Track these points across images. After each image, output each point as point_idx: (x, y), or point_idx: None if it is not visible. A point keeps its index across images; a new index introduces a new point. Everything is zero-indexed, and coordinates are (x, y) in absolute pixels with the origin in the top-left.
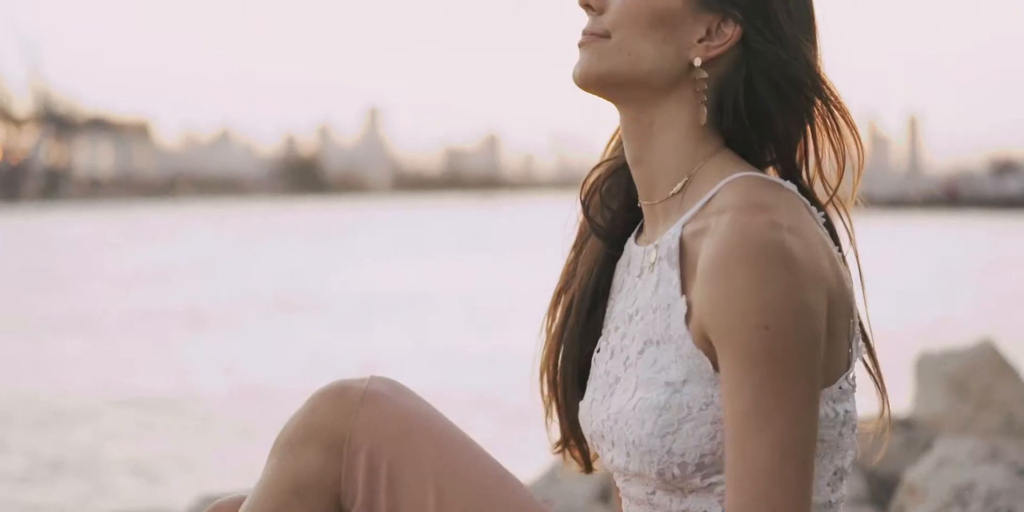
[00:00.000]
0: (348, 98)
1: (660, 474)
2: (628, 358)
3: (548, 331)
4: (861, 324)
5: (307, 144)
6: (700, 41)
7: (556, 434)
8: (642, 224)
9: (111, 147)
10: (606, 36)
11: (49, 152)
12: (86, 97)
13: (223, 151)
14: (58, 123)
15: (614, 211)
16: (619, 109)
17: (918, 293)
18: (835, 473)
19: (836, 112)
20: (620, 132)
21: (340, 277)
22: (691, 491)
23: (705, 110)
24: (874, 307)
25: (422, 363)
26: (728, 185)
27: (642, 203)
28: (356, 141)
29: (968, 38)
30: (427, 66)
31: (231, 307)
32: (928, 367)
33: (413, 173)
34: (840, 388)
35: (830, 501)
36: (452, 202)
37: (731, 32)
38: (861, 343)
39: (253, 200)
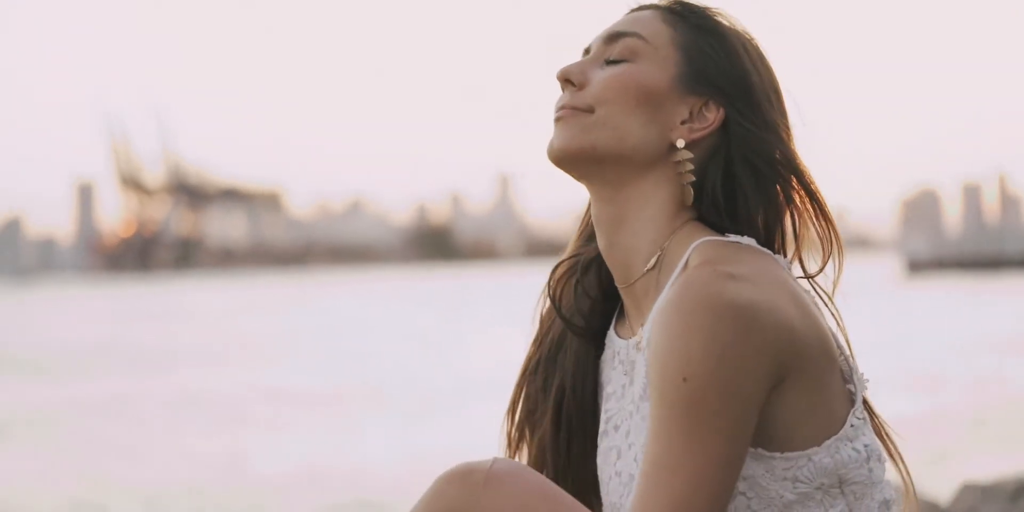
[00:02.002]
0: (479, 165)
1: None
2: (636, 456)
3: (515, 418)
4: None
5: (438, 212)
6: (683, 123)
7: None
8: (621, 308)
9: (243, 217)
10: (589, 111)
11: (181, 223)
12: (218, 168)
13: (355, 220)
14: (190, 194)
15: (591, 302)
16: (593, 190)
17: None
18: (882, 508)
19: (815, 198)
20: (590, 219)
21: (473, 347)
22: None
23: (691, 191)
24: (1013, 368)
25: None
26: (693, 251)
27: (619, 287)
28: (487, 208)
29: None
30: None
31: (364, 385)
32: None
33: (544, 239)
34: (852, 426)
35: None
36: None
37: (713, 116)
38: (864, 377)
39: (385, 268)
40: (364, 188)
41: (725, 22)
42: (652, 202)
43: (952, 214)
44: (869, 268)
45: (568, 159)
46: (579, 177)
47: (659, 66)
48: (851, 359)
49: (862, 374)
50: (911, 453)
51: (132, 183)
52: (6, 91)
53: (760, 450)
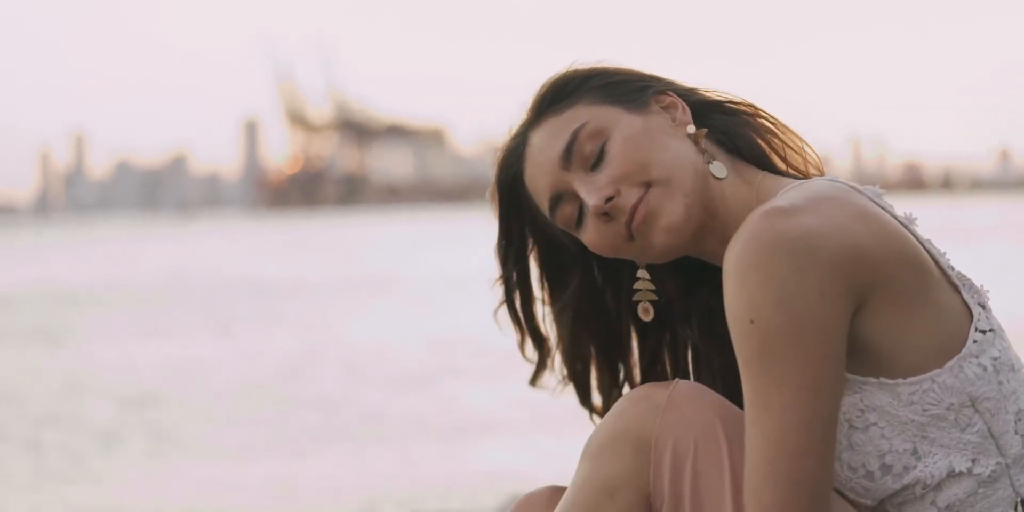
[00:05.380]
0: None
1: (854, 492)
2: None
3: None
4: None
5: None
6: (674, 120)
7: None
8: None
9: (408, 153)
10: (647, 186)
11: (346, 159)
12: (383, 104)
13: None
14: (355, 130)
15: None
16: (699, 234)
17: None
18: (1019, 419)
19: (766, 113)
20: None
21: None
22: (901, 503)
23: (716, 162)
24: None
25: None
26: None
27: None
28: None
29: None
30: (719, 61)
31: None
32: None
33: None
34: (975, 341)
35: None
36: None
37: (671, 99)
38: (983, 288)
39: None
40: None
41: (579, 68)
42: (727, 189)
43: None
44: None
45: (686, 222)
46: (693, 237)
47: (616, 119)
48: (960, 274)
49: (981, 286)
50: None
51: (298, 120)
52: (172, 30)
53: (882, 379)
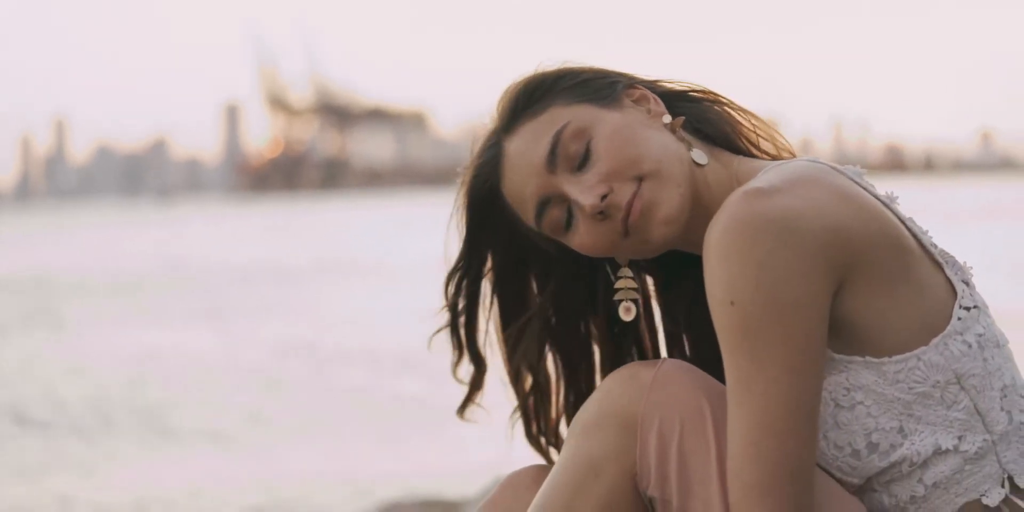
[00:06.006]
0: None
1: (841, 470)
2: None
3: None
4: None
5: None
6: (649, 112)
7: None
8: None
9: (389, 137)
10: (639, 180)
11: (327, 143)
12: (364, 88)
13: None
14: (336, 114)
15: None
16: (690, 231)
17: None
18: (1004, 396)
19: (728, 100)
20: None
21: None
22: (888, 482)
23: (696, 150)
24: None
25: None
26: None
27: None
28: None
29: None
30: (704, 46)
31: None
32: None
33: None
34: (959, 319)
35: (1022, 422)
36: None
37: (641, 92)
38: (967, 265)
39: None
40: None
41: (546, 71)
42: (709, 175)
43: None
44: (1015, 191)
45: (681, 212)
46: (686, 226)
47: (596, 117)
48: (944, 251)
49: (964, 263)
50: None
51: (279, 104)
52: (153, 14)
53: (868, 358)
